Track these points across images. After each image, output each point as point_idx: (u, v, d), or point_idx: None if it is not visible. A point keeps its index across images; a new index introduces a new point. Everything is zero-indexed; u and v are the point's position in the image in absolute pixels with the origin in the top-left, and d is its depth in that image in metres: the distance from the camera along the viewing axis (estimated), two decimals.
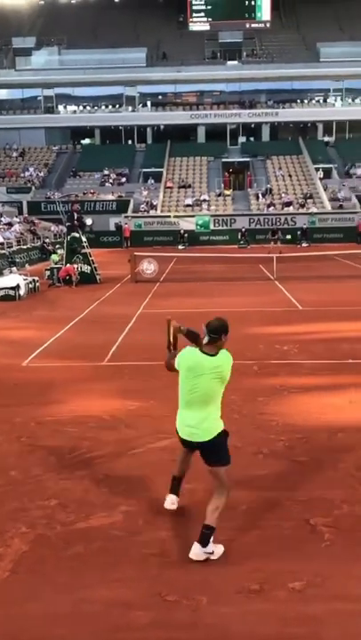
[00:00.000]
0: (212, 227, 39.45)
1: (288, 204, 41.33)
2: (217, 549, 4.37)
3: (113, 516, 5.04)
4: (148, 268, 22.50)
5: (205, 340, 4.52)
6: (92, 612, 3.85)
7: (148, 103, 52.75)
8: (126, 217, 40.23)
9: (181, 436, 4.64)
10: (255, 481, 5.60)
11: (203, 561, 4.34)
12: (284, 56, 52.49)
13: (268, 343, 11.21)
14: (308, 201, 41.53)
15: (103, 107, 52.47)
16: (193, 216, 40.16)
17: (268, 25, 55.61)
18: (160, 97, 53.25)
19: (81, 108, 52.54)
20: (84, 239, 21.99)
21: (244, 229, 38.26)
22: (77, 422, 7.26)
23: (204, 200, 42.56)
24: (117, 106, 52.31)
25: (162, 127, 52.14)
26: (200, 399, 4.48)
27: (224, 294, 18.00)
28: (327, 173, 45.36)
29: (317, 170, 44.85)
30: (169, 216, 40.47)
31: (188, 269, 25.37)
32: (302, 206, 41.07)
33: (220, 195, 43.53)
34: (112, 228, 41.07)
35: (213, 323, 4.53)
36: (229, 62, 52.72)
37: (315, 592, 3.98)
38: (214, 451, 4.48)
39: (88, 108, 52.49)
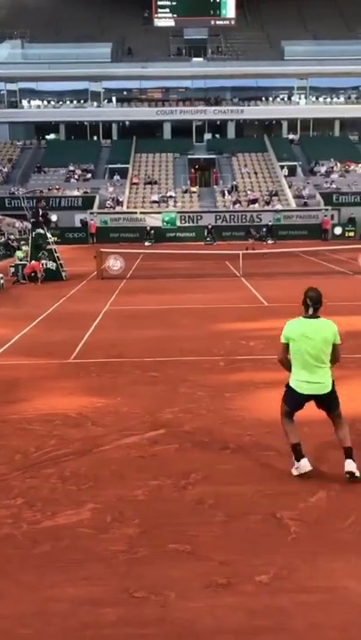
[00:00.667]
0: (178, 223, 39.51)
1: (254, 201, 41.62)
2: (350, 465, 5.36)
3: (80, 513, 5.02)
4: (115, 264, 22.41)
5: (311, 311, 5.42)
6: (59, 611, 3.82)
7: (114, 99, 52.42)
8: (92, 213, 39.97)
9: (305, 394, 5.47)
10: (222, 475, 5.64)
11: (171, 556, 4.35)
12: (248, 54, 52.76)
13: (235, 339, 11.28)
14: (274, 198, 41.90)
15: (68, 102, 51.95)
16: (159, 212, 40.12)
17: (232, 22, 55.81)
18: (125, 93, 53.01)
19: (45, 103, 51.90)
20: (49, 235, 21.77)
21: (210, 226, 38.41)
22: (43, 420, 7.19)
23: (171, 196, 42.55)
24: (82, 101, 51.85)
25: (127, 123, 51.92)
26: (316, 359, 5.37)
27: (191, 291, 18.06)
28: (292, 171, 45.80)
29: (282, 167, 45.27)
30: (135, 212, 40.35)
31: (154, 266, 25.36)
32: (268, 203, 41.41)
33: (186, 191, 43.57)
34: (78, 224, 40.76)
35: (315, 294, 5.42)
36: (195, 59, 52.76)
37: (281, 585, 4.03)
38: (334, 397, 5.49)
39: (52, 103, 51.89)
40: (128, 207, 41.29)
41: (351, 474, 5.33)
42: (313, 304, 5.41)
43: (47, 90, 51.85)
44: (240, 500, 5.17)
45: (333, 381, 5.53)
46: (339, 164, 45.99)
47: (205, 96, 52.26)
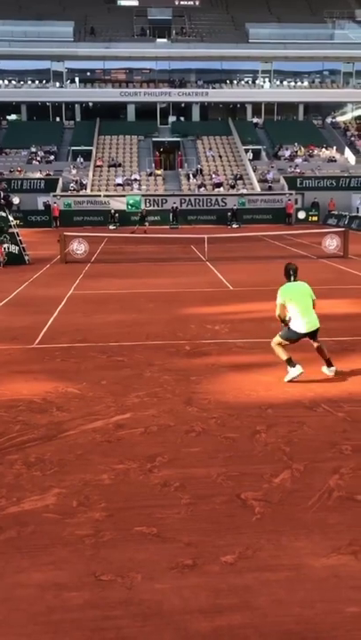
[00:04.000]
0: (143, 206, 39.28)
1: (218, 184, 41.61)
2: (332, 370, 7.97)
3: (46, 499, 5.00)
4: (79, 248, 22.19)
5: (293, 278, 7.83)
6: (26, 596, 3.82)
7: (77, 79, 51.55)
8: (55, 196, 39.42)
9: (304, 332, 7.75)
10: (187, 458, 5.68)
11: (137, 539, 4.38)
12: (213, 35, 52.46)
13: (200, 323, 11.32)
14: (238, 182, 41.96)
15: (30, 82, 50.84)
16: (124, 196, 39.79)
17: (197, 3, 55.36)
18: (88, 73, 52.15)
19: (6, 82, 50.71)
20: (11, 218, 21.39)
21: (175, 206, 38.25)
22: (7, 406, 7.12)
23: (135, 179, 42.22)
24: (44, 81, 50.83)
25: (90, 104, 51.18)
26: (308, 306, 7.76)
27: (156, 275, 18.01)
28: (256, 155, 45.91)
29: (247, 151, 45.32)
30: (99, 195, 39.93)
31: (119, 250, 25.21)
32: (232, 187, 41.46)
33: (150, 174, 43.28)
34: (40, 207, 40.17)
35: (294, 266, 7.94)
36: (159, 40, 52.17)
37: (246, 564, 4.10)
38: (318, 330, 7.87)
39: (14, 82, 50.72)
40: (92, 190, 40.84)
41: (334, 372, 7.96)
42: (293, 273, 7.83)
43: (8, 69, 50.65)
44: (205, 483, 5.22)
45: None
46: (303, 149, 46.28)
47: (170, 78, 51.83)
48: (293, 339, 7.82)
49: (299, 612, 3.64)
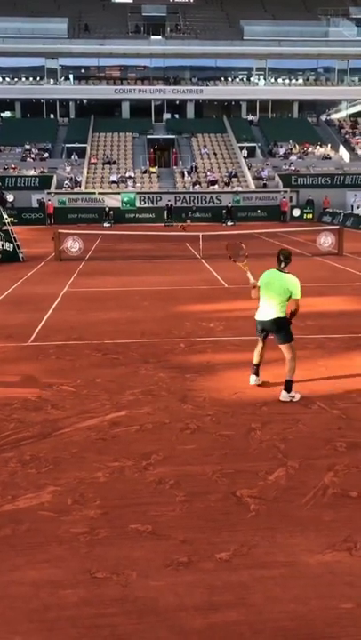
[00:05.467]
0: (137, 204, 39.23)
1: (213, 182, 41.59)
2: (297, 395, 7.09)
3: (41, 496, 5.00)
4: (73, 246, 22.14)
5: (281, 265, 7.28)
6: (21, 594, 3.82)
7: (71, 76, 51.38)
8: (49, 193, 39.29)
9: (258, 319, 7.37)
10: (183, 456, 5.69)
11: (132, 537, 4.38)
12: (207, 33, 52.36)
13: (195, 321, 11.33)
14: (233, 180, 41.95)
15: (24, 79, 50.65)
16: (118, 193, 39.72)
17: (191, 0, 55.14)
18: (83, 70, 51.98)
19: (0, 79, 50.50)
20: (5, 216, 21.32)
21: (170, 204, 38.21)
22: (2, 404, 7.10)
23: (130, 177, 42.14)
24: (39, 78, 50.65)
25: (85, 101, 51.03)
26: (271, 298, 7.17)
27: (150, 273, 18.00)
28: (251, 152, 45.89)
29: (241, 149, 45.30)
30: (94, 193, 39.84)
31: (113, 247, 25.17)
32: (227, 185, 41.44)
33: (145, 172, 43.22)
34: (35, 204, 40.03)
35: (284, 253, 7.36)
36: (153, 37, 52.02)
37: (241, 561, 4.11)
38: (279, 329, 7.20)
39: (7, 79, 50.51)
40: (86, 187, 40.74)
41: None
42: (283, 259, 7.30)
43: (2, 66, 50.43)
44: (200, 480, 5.23)
45: (284, 317, 7.21)
46: (297, 146, 46.30)
47: (164, 75, 51.73)
48: (257, 327, 7.49)
49: (294, 609, 3.65)
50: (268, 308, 7.22)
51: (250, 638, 3.43)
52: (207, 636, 3.45)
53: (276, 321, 7.16)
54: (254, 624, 3.53)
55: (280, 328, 7.20)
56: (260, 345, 7.58)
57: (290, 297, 7.10)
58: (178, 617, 3.59)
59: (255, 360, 7.61)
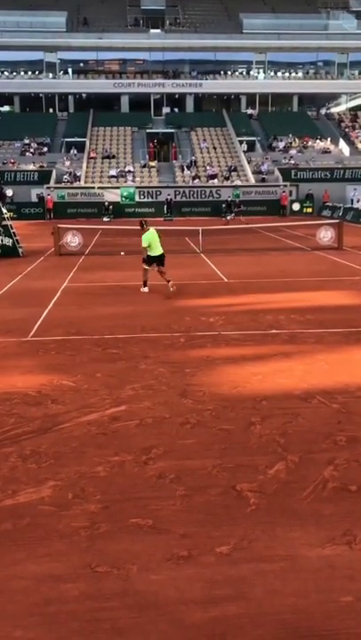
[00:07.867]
0: (137, 198, 39.15)
1: (213, 176, 41.51)
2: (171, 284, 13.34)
3: (41, 491, 5.01)
4: (73, 240, 22.12)
5: (145, 226, 13.77)
6: (22, 588, 3.83)
7: (70, 70, 51.18)
8: (49, 188, 39.23)
9: (155, 255, 13.45)
10: (183, 450, 5.70)
11: (133, 531, 4.39)
12: (207, 26, 52.14)
13: (195, 315, 11.32)
14: (233, 174, 41.86)
15: (22, 73, 50.45)
16: (118, 187, 39.65)
17: None
18: (82, 64, 51.79)
19: None
20: (4, 211, 21.28)
21: (169, 198, 38.13)
22: (2, 399, 7.11)
23: (129, 171, 42.06)
24: (37, 72, 50.45)
25: (84, 95, 50.85)
26: (158, 243, 13.49)
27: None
28: (251, 146, 45.77)
29: (241, 142, 45.19)
30: (93, 187, 39.77)
31: (113, 242, 25.13)
32: (227, 179, 41.36)
33: (144, 166, 43.12)
34: (34, 199, 39.98)
35: (143, 221, 14.09)
36: (152, 30, 51.77)
37: (241, 555, 4.12)
38: (163, 259, 13.60)
39: (6, 73, 50.32)
40: (86, 182, 40.66)
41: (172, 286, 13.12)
42: (145, 224, 13.73)
43: (0, 59, 50.21)
44: (200, 474, 5.24)
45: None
46: (297, 140, 46.18)
47: (163, 69, 51.52)
48: (150, 262, 13.51)
49: (294, 602, 3.66)
50: (158, 248, 13.37)
51: (250, 632, 3.44)
52: (207, 629, 3.46)
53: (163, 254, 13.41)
54: (254, 618, 3.54)
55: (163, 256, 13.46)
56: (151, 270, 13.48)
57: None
58: (178, 611, 3.61)
59: (144, 278, 13.64)
